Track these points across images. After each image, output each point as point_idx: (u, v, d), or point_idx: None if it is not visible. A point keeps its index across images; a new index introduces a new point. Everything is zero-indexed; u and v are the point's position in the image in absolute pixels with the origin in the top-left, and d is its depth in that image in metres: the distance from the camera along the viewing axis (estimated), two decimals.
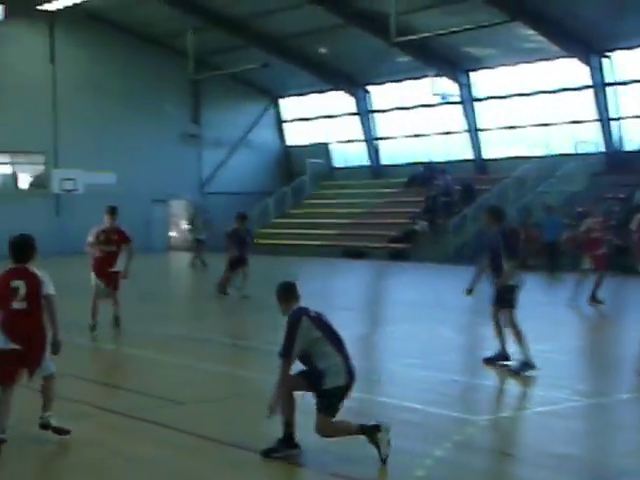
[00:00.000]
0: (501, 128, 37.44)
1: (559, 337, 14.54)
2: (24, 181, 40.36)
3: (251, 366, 11.99)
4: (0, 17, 35.72)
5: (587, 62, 33.13)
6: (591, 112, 34.04)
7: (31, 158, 39.88)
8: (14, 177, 39.91)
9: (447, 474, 7.12)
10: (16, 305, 7.81)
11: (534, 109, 35.95)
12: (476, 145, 37.83)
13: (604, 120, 33.62)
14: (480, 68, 36.79)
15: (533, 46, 33.70)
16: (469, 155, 38.10)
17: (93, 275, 14.81)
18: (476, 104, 37.60)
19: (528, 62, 35.10)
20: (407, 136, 40.88)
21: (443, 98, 37.85)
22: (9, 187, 39.36)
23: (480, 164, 37.83)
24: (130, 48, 40.98)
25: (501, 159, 36.89)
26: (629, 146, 33.50)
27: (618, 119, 33.65)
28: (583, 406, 9.49)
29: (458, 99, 37.56)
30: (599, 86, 33.40)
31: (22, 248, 8.07)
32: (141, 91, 41.22)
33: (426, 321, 16.40)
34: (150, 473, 7.12)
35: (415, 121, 40.08)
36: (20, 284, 7.84)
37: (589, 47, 32.87)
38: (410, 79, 38.93)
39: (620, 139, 33.82)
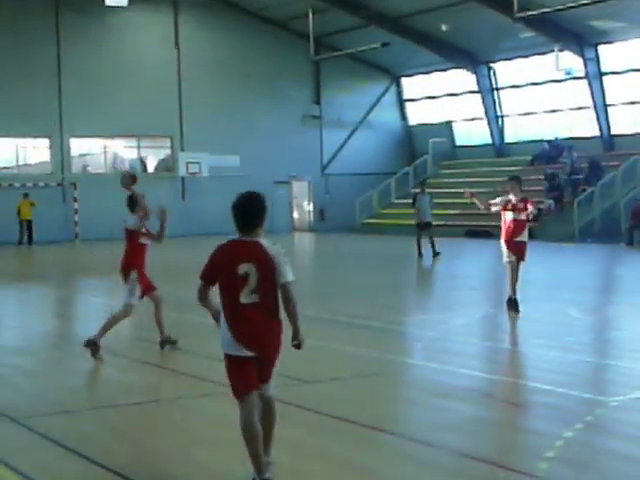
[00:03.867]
0: (628, 103, 36.38)
1: None
2: (151, 164, 41.37)
3: (375, 345, 12.03)
4: (125, 2, 36.64)
5: None
6: None
7: (157, 142, 40.86)
8: (141, 161, 40.95)
9: (578, 456, 7.03)
10: (245, 299, 6.16)
11: None
12: (603, 121, 36.86)
13: None
14: (606, 42, 35.80)
15: None
16: (595, 131, 37.18)
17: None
18: (604, 78, 36.61)
19: None
20: (531, 113, 40.16)
21: (568, 74, 37.02)
22: (136, 171, 40.43)
23: (607, 140, 36.87)
24: (252, 31, 41.47)
25: (628, 135, 35.88)
26: None
27: None
28: None
29: (583, 74, 36.66)
30: None
31: (251, 211, 6.22)
32: (263, 73, 41.68)
33: (554, 301, 16.14)
34: (288, 452, 7.19)
35: (539, 97, 39.34)
36: (250, 269, 6.12)
37: None
38: (534, 55, 38.21)
39: None
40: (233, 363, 6.22)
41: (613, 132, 36.82)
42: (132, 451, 7.45)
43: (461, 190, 37.25)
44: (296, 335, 6.28)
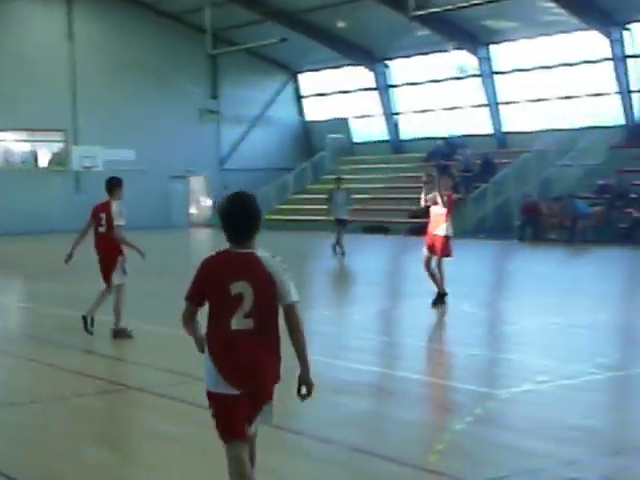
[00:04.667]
0: (520, 102, 37.24)
1: (575, 310, 14.54)
2: (43, 159, 40.53)
3: None
4: None
5: (607, 34, 32.87)
6: (611, 85, 33.79)
7: (50, 135, 40.01)
8: (33, 155, 40.08)
9: (467, 448, 7.17)
10: (237, 323, 5.04)
11: (553, 82, 35.71)
12: (496, 119, 37.66)
13: (624, 93, 33.39)
14: (500, 41, 36.56)
15: (553, 19, 33.46)
16: (489, 129, 37.95)
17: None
18: (496, 77, 37.41)
19: (548, 35, 34.85)
20: (426, 110, 40.74)
21: (463, 72, 37.71)
22: (29, 165, 39.53)
23: (500, 138, 37.66)
24: (148, 24, 41.01)
25: (521, 133, 36.73)
26: None
27: (638, 92, 33.39)
28: (604, 379, 9.51)
29: (478, 72, 37.38)
30: (619, 59, 33.14)
31: (247, 217, 5.09)
32: (159, 67, 41.25)
33: (448, 296, 16.38)
34: (176, 450, 7.17)
35: (434, 95, 39.92)
36: (245, 288, 5.02)
37: (609, 19, 32.61)
38: (429, 53, 38.76)
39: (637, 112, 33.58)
40: (219, 403, 5.07)
41: (506, 130, 37.64)
42: (21, 452, 7.30)
43: (359, 186, 37.51)
44: (305, 377, 5.08)
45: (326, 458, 6.98)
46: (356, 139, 44.06)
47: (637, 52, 33.14)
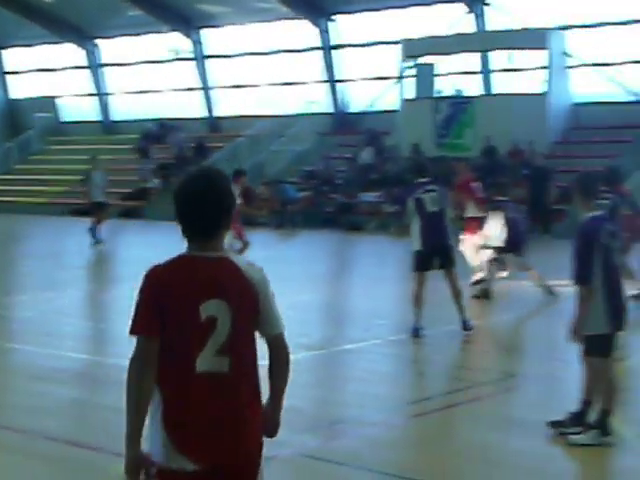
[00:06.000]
0: (233, 87, 37.67)
1: (282, 292, 14.87)
2: None
3: None
4: None
5: (316, 24, 33.96)
6: (319, 73, 34.96)
7: None
8: None
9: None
10: (205, 363, 3.52)
11: (265, 69, 36.41)
12: (209, 103, 37.89)
13: (331, 81, 34.65)
14: (214, 26, 36.77)
15: (265, 6, 34.08)
16: (202, 113, 38.10)
17: None
18: (209, 61, 37.59)
19: (261, 21, 35.47)
20: (139, 92, 40.26)
21: (176, 54, 37.60)
22: None
23: (213, 122, 37.92)
24: None
25: (233, 117, 37.15)
26: (354, 108, 34.71)
27: (344, 81, 34.78)
28: (304, 358, 9.81)
29: (191, 56, 37.41)
30: (326, 48, 34.35)
31: (217, 203, 3.61)
32: None
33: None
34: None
35: (148, 77, 39.50)
36: (220, 310, 3.53)
37: (317, 9, 33.69)
38: (142, 34, 38.27)
39: (346, 101, 35.00)
40: None
41: (219, 114, 37.95)
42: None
43: (68, 167, 36.18)
44: (277, 418, 3.87)
45: (21, 449, 6.72)
46: (66, 118, 42.73)
47: (343, 42, 34.47)
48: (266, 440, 3.68)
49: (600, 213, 7.04)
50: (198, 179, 3.62)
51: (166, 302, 3.49)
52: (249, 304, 3.58)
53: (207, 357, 3.49)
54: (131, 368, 3.52)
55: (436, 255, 10.91)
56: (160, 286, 3.53)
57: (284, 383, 3.83)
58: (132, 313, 3.54)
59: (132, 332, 3.56)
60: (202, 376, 3.48)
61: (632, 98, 28.41)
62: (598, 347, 6.86)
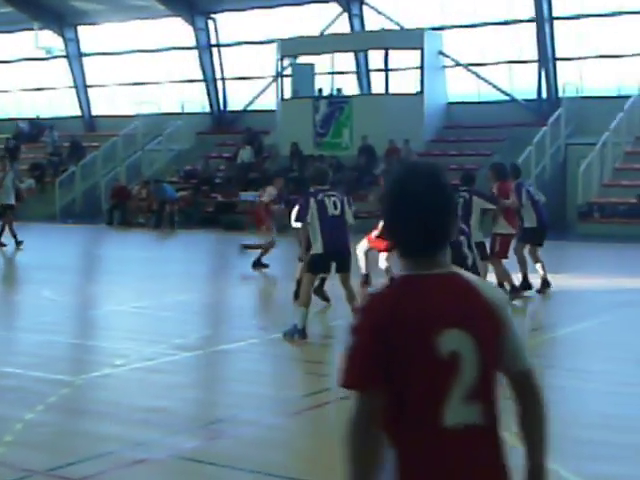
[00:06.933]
0: (109, 85, 37.06)
1: (160, 293, 14.69)
2: None
3: None
4: None
5: (192, 23, 33.70)
6: (197, 72, 34.68)
7: None
8: None
9: (38, 437, 6.94)
10: (453, 415, 2.74)
11: (143, 67, 35.93)
12: (84, 102, 37.15)
13: (209, 80, 34.42)
14: (88, 23, 36.11)
15: (140, 4, 33.67)
16: (77, 112, 37.33)
17: None
18: (84, 60, 36.89)
19: (137, 19, 35.00)
20: (10, 91, 39.18)
21: (48, 52, 36.73)
22: None
23: (88, 121, 37.22)
24: None
25: (109, 116, 36.54)
26: (232, 107, 34.57)
27: (222, 80, 34.59)
28: (181, 359, 9.68)
29: (64, 54, 36.61)
30: (204, 47, 34.10)
31: (444, 207, 2.83)
32: None
33: (30, 283, 15.90)
34: None
35: (19, 75, 38.49)
36: (462, 342, 2.75)
37: (194, 8, 33.45)
38: (14, 32, 37.29)
39: (224, 100, 34.82)
40: None
41: (95, 113, 37.26)
42: None
43: None
44: (544, 469, 2.90)
45: None
46: None
47: (220, 41, 34.29)
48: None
49: None
50: (418, 177, 2.81)
51: (394, 340, 2.70)
52: (493, 333, 2.79)
53: (454, 406, 2.72)
54: (351, 434, 2.73)
55: (335, 259, 10.89)
56: (385, 320, 2.71)
57: (544, 434, 2.89)
58: (344, 359, 2.75)
59: (346, 385, 2.75)
60: (450, 431, 2.70)
61: (504, 98, 29.10)
62: None
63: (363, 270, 13.79)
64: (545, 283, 13.87)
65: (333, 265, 10.94)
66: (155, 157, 33.25)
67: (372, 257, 13.73)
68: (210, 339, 11.09)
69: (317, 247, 10.76)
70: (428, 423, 2.70)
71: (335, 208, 10.79)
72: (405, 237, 2.80)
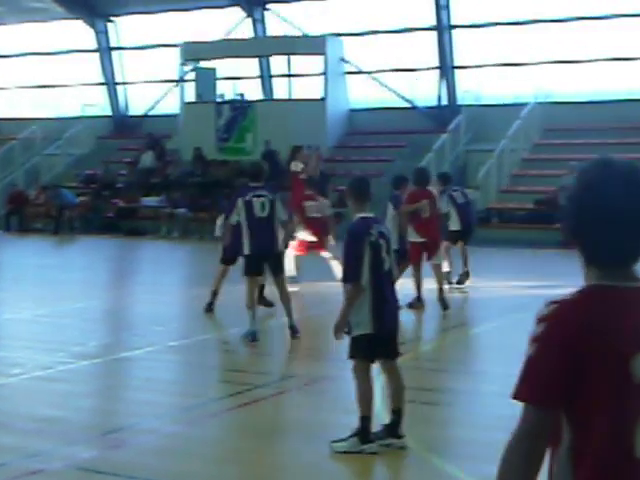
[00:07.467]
0: (8, 88, 36.36)
1: (59, 300, 14.43)
2: None
3: None
4: None
5: (92, 25, 33.26)
6: (97, 75, 34.21)
7: None
8: None
9: None
10: None
11: (41, 70, 35.28)
12: None
13: (110, 84, 33.99)
14: None
15: (39, 6, 33.01)
16: None
17: None
18: None
19: (35, 21, 34.37)
20: None
21: None
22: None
23: None
24: None
25: (8, 119, 35.71)
26: (134, 111, 34.19)
27: (124, 84, 34.19)
28: (79, 368, 9.53)
29: None
30: (104, 50, 33.68)
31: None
32: None
33: None
34: None
35: None
36: None
37: (93, 11, 33.01)
38: None
39: (125, 103, 34.42)
40: None
41: None
42: None
43: None
44: None
45: None
46: None
47: (121, 45, 33.90)
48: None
49: (370, 215, 7.18)
50: (614, 179, 2.46)
51: (582, 357, 2.40)
52: None
53: None
54: (515, 449, 2.43)
55: (264, 260, 10.87)
56: (574, 334, 2.41)
57: None
58: (523, 370, 2.48)
59: (521, 398, 2.47)
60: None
61: (405, 104, 29.45)
62: (361, 348, 6.78)
63: (292, 272, 13.87)
64: (466, 274, 15.33)
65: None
66: (54, 161, 32.65)
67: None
68: (110, 347, 10.95)
69: (245, 248, 10.81)
70: (616, 453, 2.40)
71: (263, 210, 10.79)
72: (598, 245, 2.48)
